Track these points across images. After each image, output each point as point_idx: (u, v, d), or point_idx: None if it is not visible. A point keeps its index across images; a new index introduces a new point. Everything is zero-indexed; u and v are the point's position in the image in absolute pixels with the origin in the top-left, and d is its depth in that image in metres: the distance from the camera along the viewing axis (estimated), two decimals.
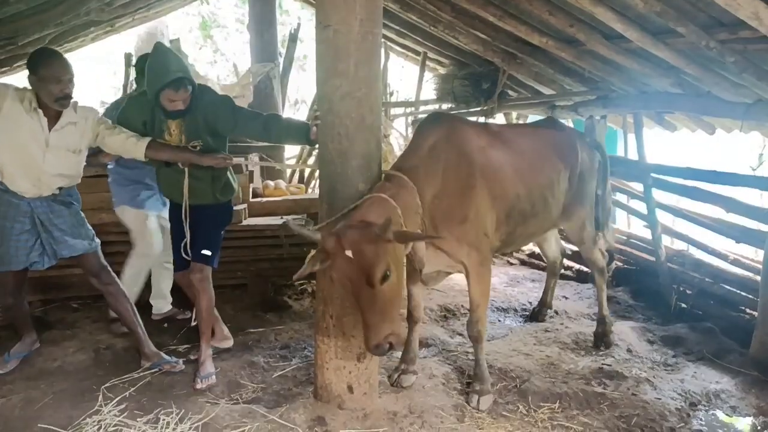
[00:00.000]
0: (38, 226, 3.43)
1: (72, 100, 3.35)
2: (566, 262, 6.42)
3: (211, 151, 3.50)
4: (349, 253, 2.53)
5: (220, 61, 15.46)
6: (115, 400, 3.27)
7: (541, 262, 6.48)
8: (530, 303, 5.15)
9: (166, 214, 4.04)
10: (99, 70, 15.50)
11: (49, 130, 3.34)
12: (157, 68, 3.25)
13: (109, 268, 3.70)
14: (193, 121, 3.43)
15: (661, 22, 3.52)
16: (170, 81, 3.22)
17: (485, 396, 3.32)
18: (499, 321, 4.87)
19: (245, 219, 4.91)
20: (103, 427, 3.01)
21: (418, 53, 7.60)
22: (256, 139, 4.52)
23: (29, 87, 3.30)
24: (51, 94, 3.24)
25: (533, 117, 7.11)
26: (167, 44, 4.24)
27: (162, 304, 4.52)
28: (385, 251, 2.57)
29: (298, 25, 7.42)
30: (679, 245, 5.34)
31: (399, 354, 3.59)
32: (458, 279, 5.82)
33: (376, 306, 2.57)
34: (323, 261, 2.67)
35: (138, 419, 3.09)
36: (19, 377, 3.58)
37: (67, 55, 3.45)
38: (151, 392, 3.40)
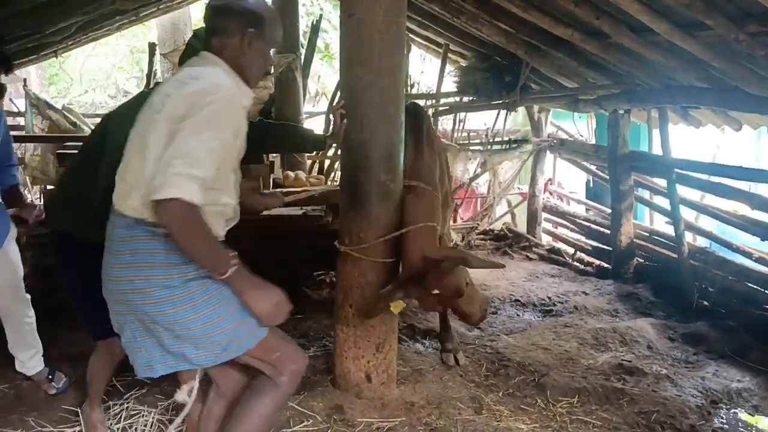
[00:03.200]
0: None
1: None
2: (586, 258, 6.39)
3: None
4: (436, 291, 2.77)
5: None
6: (136, 386, 3.31)
7: (561, 258, 6.45)
8: (549, 298, 5.12)
9: None
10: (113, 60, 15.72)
11: None
12: None
13: None
14: None
15: (688, 15, 3.46)
16: None
17: None
18: (518, 315, 4.85)
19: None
20: (125, 409, 3.08)
21: (439, 45, 7.55)
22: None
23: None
24: (261, 68, 2.15)
25: (555, 110, 7.06)
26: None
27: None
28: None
29: (321, 15, 7.42)
30: (702, 242, 5.28)
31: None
32: (478, 274, 5.81)
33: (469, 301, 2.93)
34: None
35: (159, 404, 3.15)
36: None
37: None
38: (172, 378, 3.43)
